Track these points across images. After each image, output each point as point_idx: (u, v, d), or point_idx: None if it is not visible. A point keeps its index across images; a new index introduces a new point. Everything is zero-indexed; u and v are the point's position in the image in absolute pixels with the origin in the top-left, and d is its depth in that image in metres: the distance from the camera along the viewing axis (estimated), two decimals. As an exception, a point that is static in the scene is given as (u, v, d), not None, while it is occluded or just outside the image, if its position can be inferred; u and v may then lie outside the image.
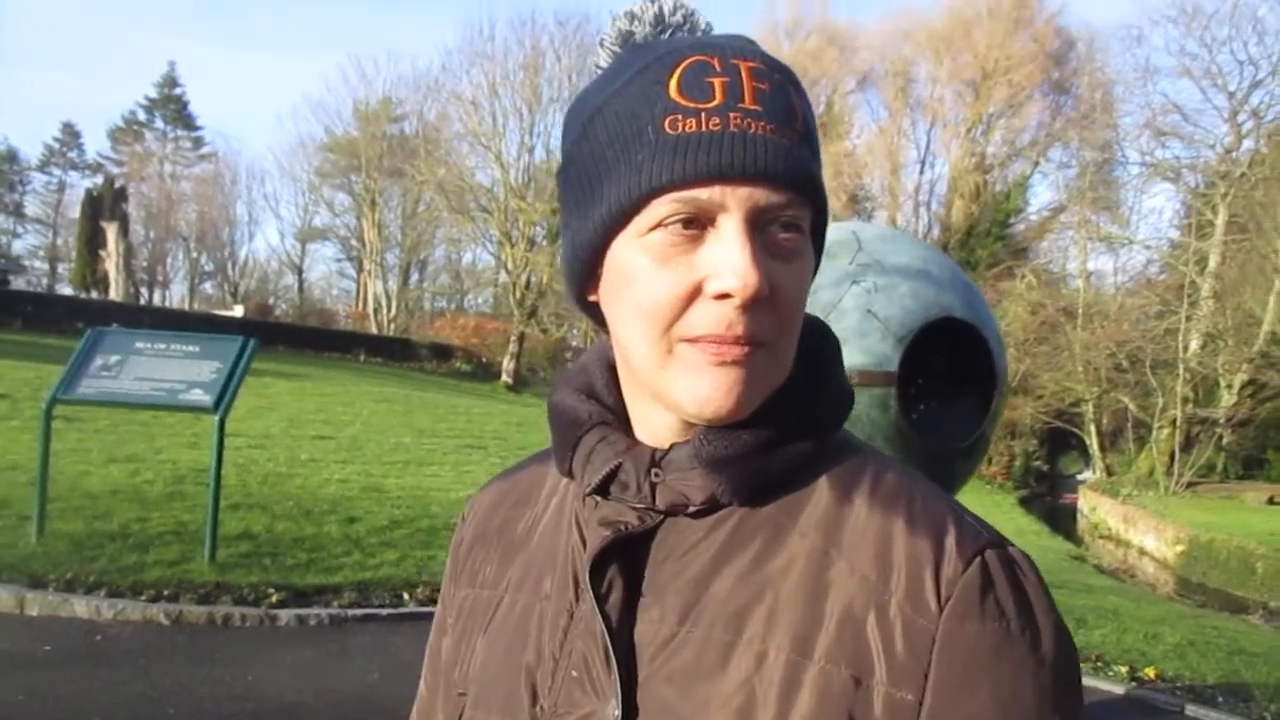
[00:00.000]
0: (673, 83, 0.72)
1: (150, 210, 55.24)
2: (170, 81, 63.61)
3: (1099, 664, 6.94)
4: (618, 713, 0.74)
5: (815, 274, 0.78)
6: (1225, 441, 30.09)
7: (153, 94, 63.27)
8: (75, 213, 48.75)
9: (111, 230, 37.75)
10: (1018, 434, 34.64)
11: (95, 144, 63.50)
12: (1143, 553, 22.29)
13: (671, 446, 0.78)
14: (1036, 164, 43.20)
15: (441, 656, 0.92)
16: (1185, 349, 29.45)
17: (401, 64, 60.52)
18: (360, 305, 54.26)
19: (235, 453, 10.99)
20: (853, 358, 5.38)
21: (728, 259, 0.71)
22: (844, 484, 0.77)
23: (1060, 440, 37.89)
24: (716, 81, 0.72)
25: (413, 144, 48.89)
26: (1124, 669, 6.86)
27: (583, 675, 0.76)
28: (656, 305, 0.72)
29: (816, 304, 5.70)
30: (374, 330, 47.14)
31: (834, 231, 6.79)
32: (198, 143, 63.49)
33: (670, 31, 0.79)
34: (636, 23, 0.80)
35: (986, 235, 41.40)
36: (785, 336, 0.74)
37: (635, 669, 0.75)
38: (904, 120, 45.45)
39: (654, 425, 0.79)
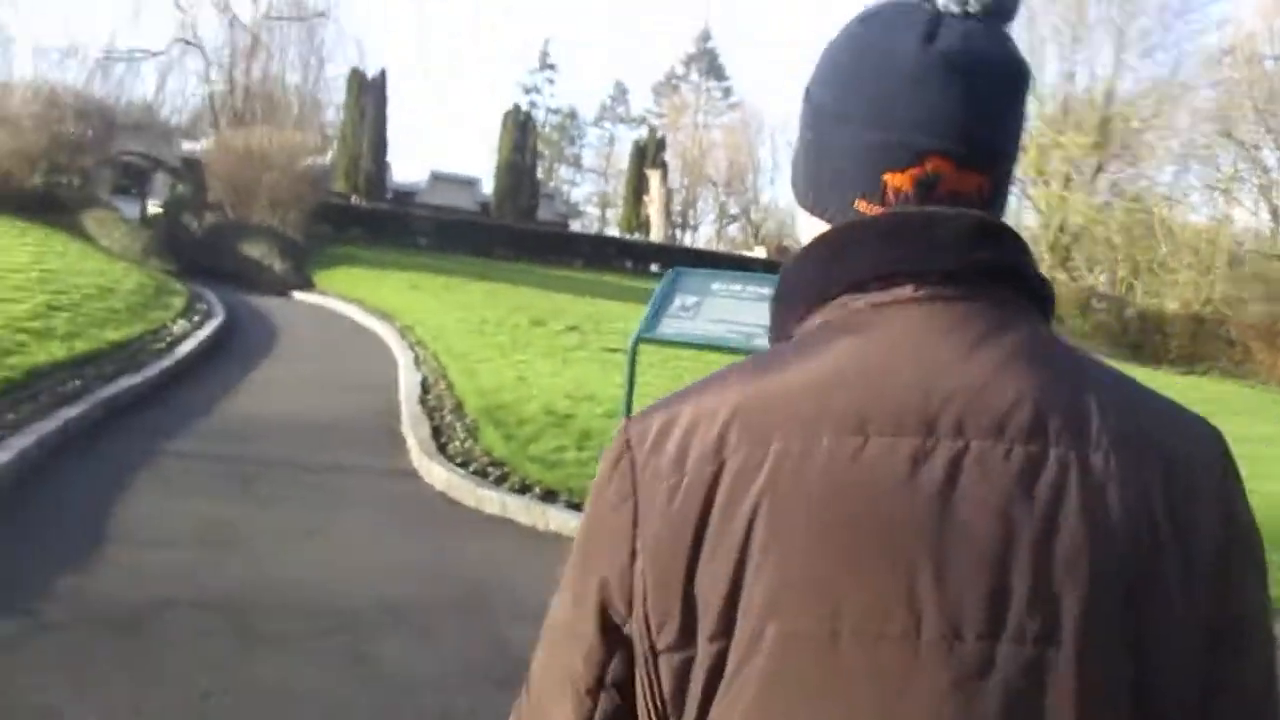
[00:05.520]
0: None
1: (685, 158, 59.23)
2: (705, 37, 67.84)
3: None
4: None
5: None
6: None
7: (691, 49, 68.00)
8: (623, 163, 53.62)
9: (654, 177, 40.97)
10: None
11: (640, 100, 70.02)
12: None
13: None
14: None
15: None
16: None
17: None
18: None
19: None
20: None
21: None
22: None
23: None
24: None
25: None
26: None
27: None
28: None
29: None
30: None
31: None
32: (727, 93, 67.12)
33: None
34: None
35: None
36: None
37: None
38: None
39: None
